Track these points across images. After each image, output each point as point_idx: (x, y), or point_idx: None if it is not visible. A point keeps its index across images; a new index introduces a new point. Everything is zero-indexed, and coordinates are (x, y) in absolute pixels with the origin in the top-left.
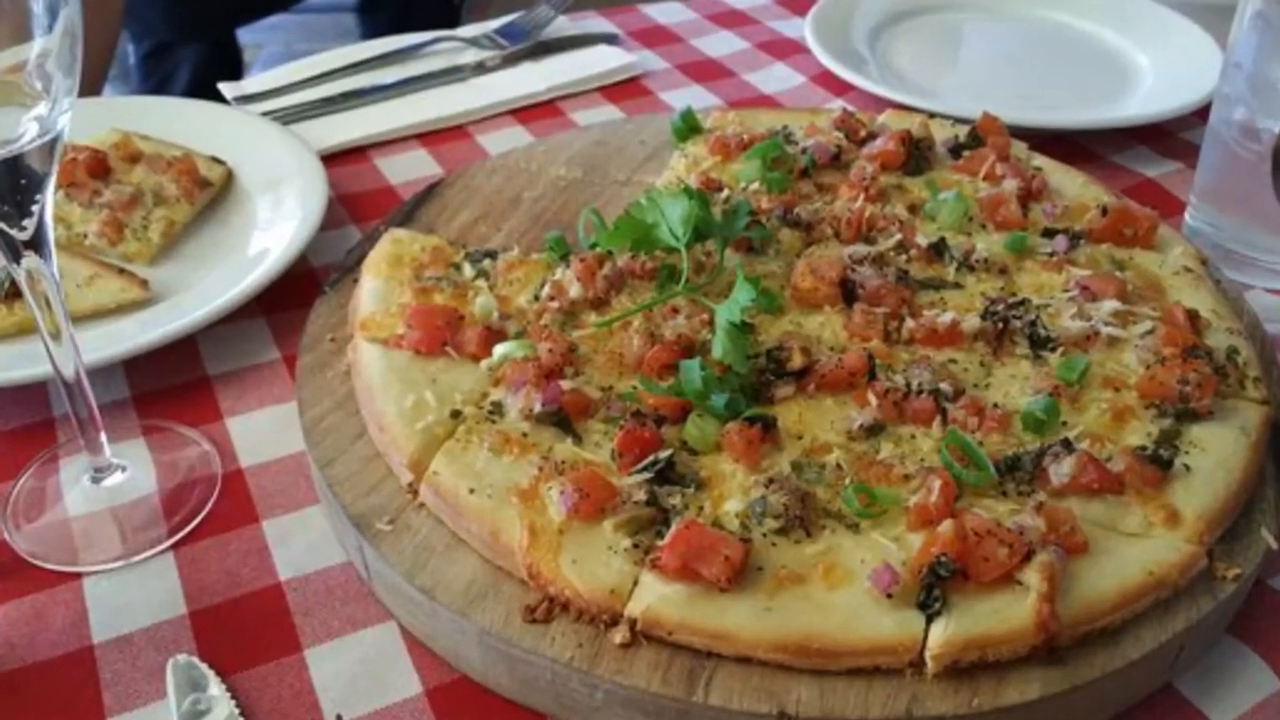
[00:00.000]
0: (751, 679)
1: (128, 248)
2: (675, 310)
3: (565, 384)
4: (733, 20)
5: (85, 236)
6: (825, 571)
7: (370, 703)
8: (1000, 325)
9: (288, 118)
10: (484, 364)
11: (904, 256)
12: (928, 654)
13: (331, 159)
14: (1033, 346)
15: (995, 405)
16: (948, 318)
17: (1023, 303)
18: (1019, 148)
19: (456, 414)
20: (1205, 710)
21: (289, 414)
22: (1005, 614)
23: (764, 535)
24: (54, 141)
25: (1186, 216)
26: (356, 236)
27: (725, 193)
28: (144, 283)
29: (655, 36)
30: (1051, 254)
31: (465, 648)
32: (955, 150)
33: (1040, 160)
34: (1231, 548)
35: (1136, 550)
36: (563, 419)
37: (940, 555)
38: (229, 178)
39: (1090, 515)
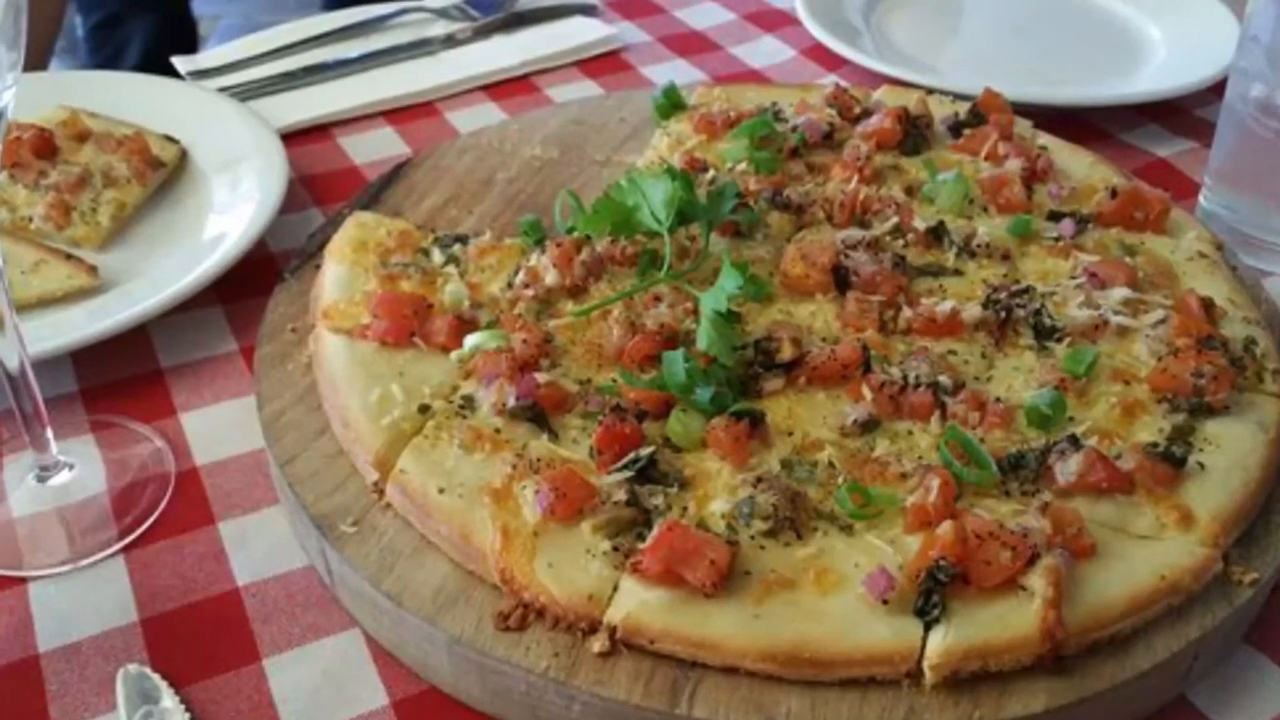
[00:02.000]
0: (738, 690)
1: (75, 232)
2: (657, 298)
3: (540, 377)
4: None
5: (30, 220)
6: (817, 576)
7: (333, 715)
8: (1003, 314)
9: (246, 94)
10: (454, 355)
11: (901, 241)
12: (926, 664)
13: (292, 137)
14: (1037, 337)
15: (997, 399)
16: (947, 306)
17: (1027, 290)
18: (1023, 126)
19: (425, 409)
20: None
21: (247, 409)
22: (1008, 621)
23: (752, 538)
24: None
25: (1201, 199)
26: (319, 220)
27: (710, 173)
28: (93, 269)
29: (636, 7)
30: (1057, 238)
31: (434, 657)
32: (955, 128)
33: (1045, 139)
34: (1248, 551)
35: (1147, 553)
36: (538, 414)
37: (939, 559)
38: (183, 157)
39: (1098, 516)
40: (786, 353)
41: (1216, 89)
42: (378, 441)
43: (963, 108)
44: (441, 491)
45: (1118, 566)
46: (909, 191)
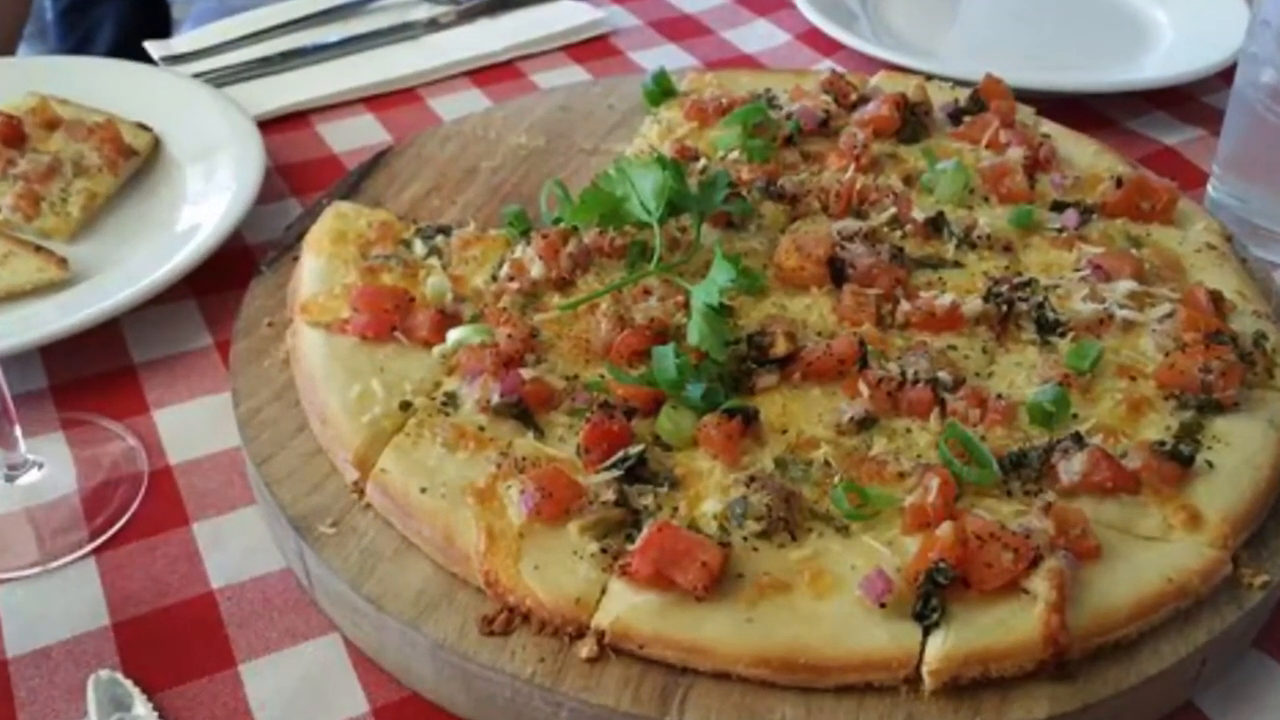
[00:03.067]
0: (731, 697)
1: (45, 223)
2: (647, 292)
3: (526, 373)
4: None
5: None
6: (812, 579)
7: None
8: (1004, 308)
9: (221, 79)
10: (436, 351)
11: (898, 232)
12: (925, 669)
13: (269, 125)
14: (1040, 331)
15: (999, 396)
16: (947, 300)
17: (1029, 283)
18: (1025, 113)
19: (406, 405)
20: None
21: (222, 405)
22: (1010, 625)
23: (745, 539)
24: None
25: (1209, 188)
26: (297, 210)
27: (702, 162)
28: (63, 261)
29: None
30: (1061, 230)
31: (416, 662)
32: (955, 116)
33: (1048, 127)
34: (1259, 552)
35: (1154, 555)
36: (523, 411)
37: (938, 561)
38: (156, 146)
39: (1103, 517)
40: (780, 348)
41: (1225, 75)
42: (358, 439)
43: (963, 94)
44: (424, 491)
45: (1123, 569)
46: (907, 181)
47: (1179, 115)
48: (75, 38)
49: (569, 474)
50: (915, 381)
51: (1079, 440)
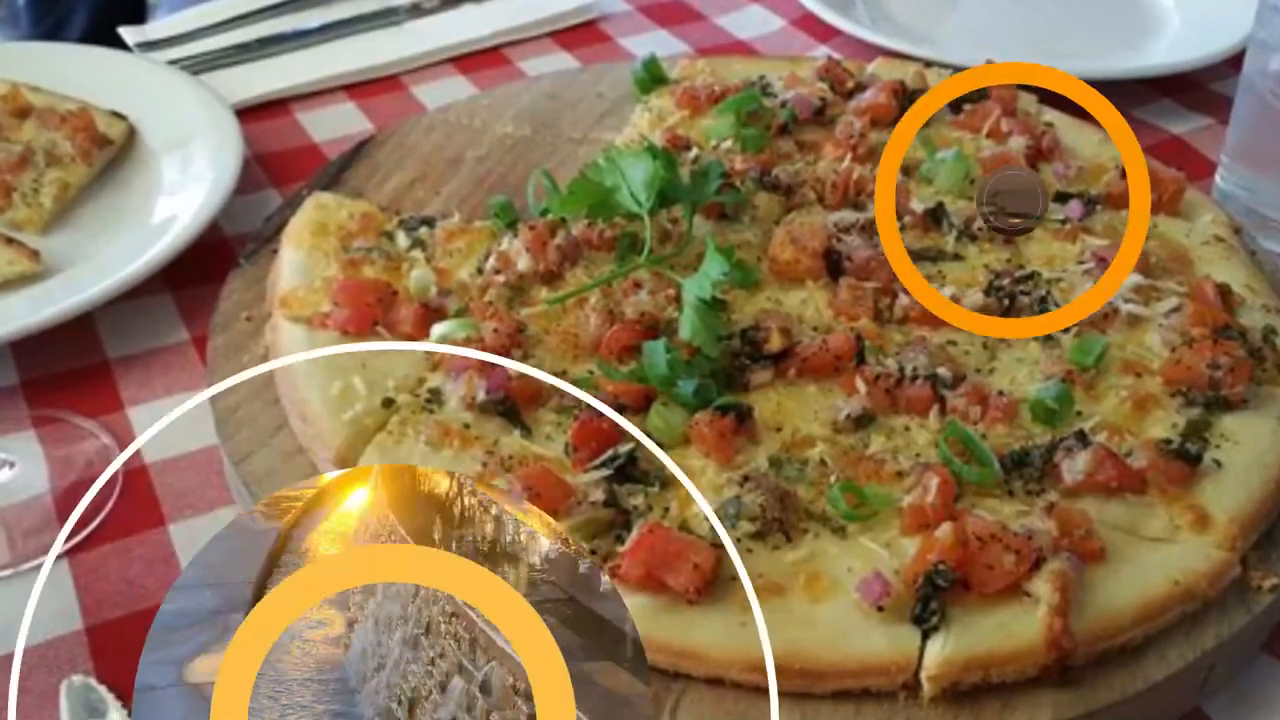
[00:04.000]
0: (724, 703)
1: (16, 214)
2: (637, 285)
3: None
4: None
5: None
6: (808, 581)
7: None
8: (1006, 302)
9: (198, 67)
10: None
11: (897, 224)
12: (924, 675)
13: (248, 113)
14: None
15: (1000, 393)
16: (946, 293)
17: (1031, 276)
18: (1027, 101)
19: (389, 403)
20: None
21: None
22: (1011, 630)
23: (738, 540)
24: None
25: (1217, 178)
26: (276, 201)
27: (694, 152)
28: (35, 254)
29: None
30: (1064, 221)
31: None
32: (955, 104)
33: (1051, 115)
34: (1268, 554)
35: (1161, 557)
36: (510, 408)
37: (938, 563)
38: (131, 135)
39: (1108, 518)
40: (775, 343)
41: (1234, 62)
42: (339, 438)
43: None
44: None
45: (1128, 571)
46: (906, 171)
47: (1186, 103)
48: (47, 23)
49: (557, 473)
50: (914, 378)
51: (1083, 438)
